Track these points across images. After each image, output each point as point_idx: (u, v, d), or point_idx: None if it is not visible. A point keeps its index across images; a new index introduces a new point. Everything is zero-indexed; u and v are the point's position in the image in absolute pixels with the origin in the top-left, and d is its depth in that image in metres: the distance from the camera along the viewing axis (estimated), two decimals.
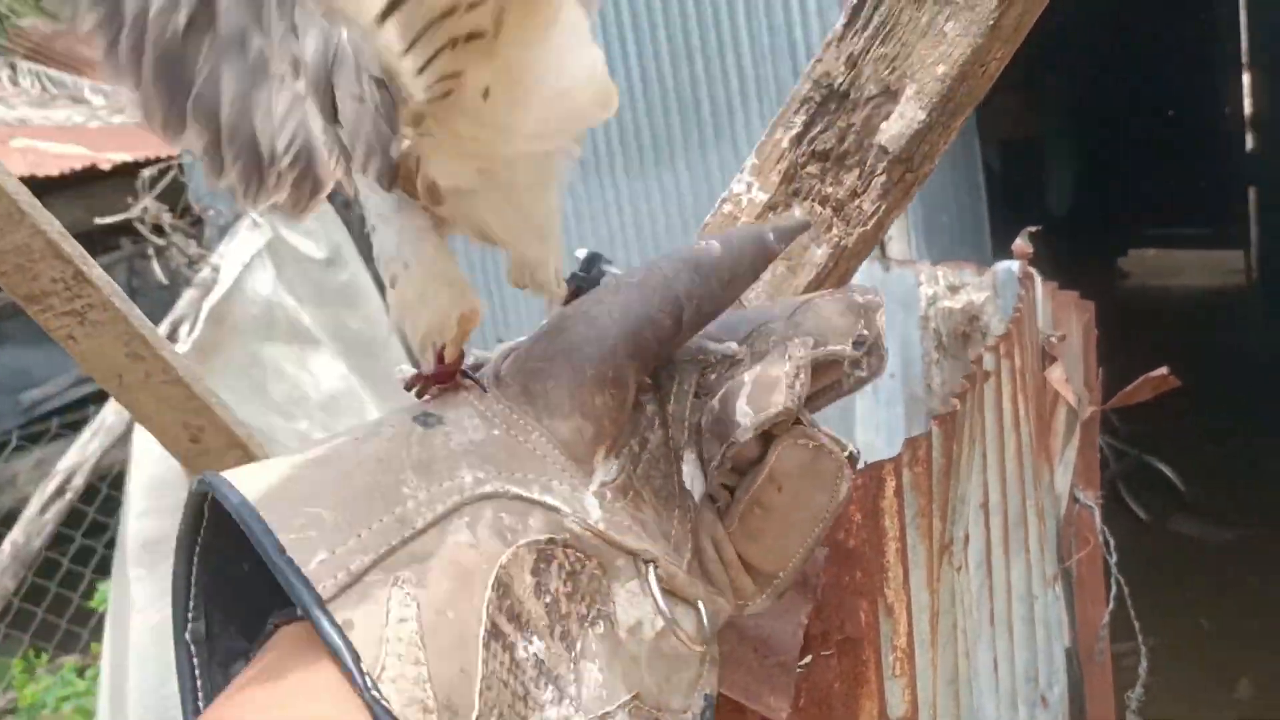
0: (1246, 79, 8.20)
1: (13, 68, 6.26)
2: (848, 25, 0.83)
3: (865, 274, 3.32)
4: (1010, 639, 1.35)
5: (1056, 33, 3.38)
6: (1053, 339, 1.73)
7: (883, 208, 0.82)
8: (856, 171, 0.83)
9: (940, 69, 0.79)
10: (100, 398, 5.30)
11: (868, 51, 0.82)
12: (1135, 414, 2.21)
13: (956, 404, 0.99)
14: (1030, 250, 1.87)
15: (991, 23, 0.74)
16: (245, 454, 0.99)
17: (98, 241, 4.10)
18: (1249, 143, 8.25)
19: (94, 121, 5.67)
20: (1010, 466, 1.31)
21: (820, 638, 0.84)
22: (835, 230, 0.80)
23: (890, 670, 0.88)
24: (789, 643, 0.77)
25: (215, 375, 2.83)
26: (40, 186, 3.84)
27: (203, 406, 0.94)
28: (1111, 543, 1.77)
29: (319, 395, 3.15)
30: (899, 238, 3.08)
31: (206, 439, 0.97)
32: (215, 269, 2.86)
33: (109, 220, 3.55)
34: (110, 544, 3.23)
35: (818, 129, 0.84)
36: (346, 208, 3.41)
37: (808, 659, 0.83)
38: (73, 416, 4.96)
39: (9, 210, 0.81)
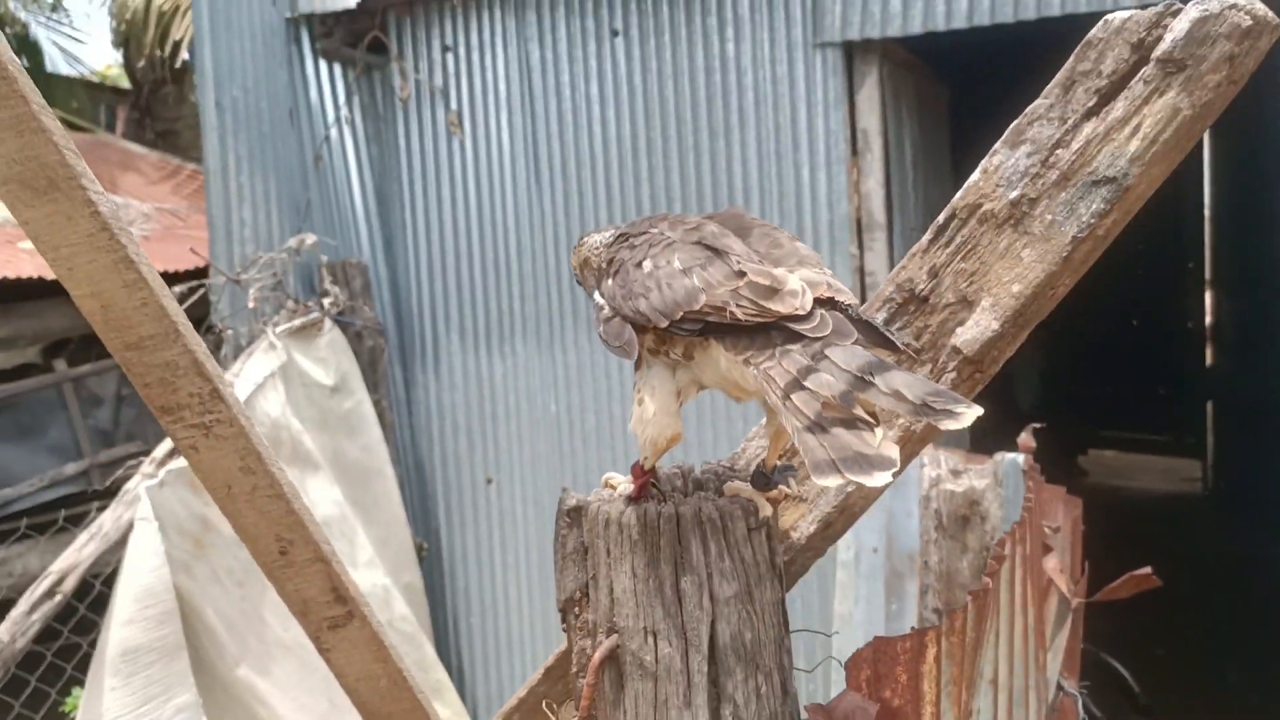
0: (1209, 297, 8.47)
1: None
2: (933, 240, 0.96)
3: None
4: None
5: None
6: (1049, 530, 1.82)
7: None
8: (929, 366, 0.93)
9: (1015, 288, 0.90)
10: (72, 501, 5.24)
11: (949, 265, 0.94)
12: (1092, 611, 2.28)
13: (989, 582, 1.07)
14: (1034, 445, 1.98)
15: (1065, 255, 0.85)
16: (326, 570, 1.05)
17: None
18: (1209, 357, 8.47)
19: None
20: (1018, 647, 1.38)
21: None
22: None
23: None
24: None
25: None
26: (56, 290, 3.89)
27: (298, 522, 1.01)
28: None
29: None
30: None
31: (294, 552, 1.03)
32: (229, 386, 2.91)
33: None
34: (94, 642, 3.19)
35: (897, 325, 0.95)
36: (359, 339, 3.51)
37: None
38: (41, 518, 4.89)
39: (167, 330, 0.90)
